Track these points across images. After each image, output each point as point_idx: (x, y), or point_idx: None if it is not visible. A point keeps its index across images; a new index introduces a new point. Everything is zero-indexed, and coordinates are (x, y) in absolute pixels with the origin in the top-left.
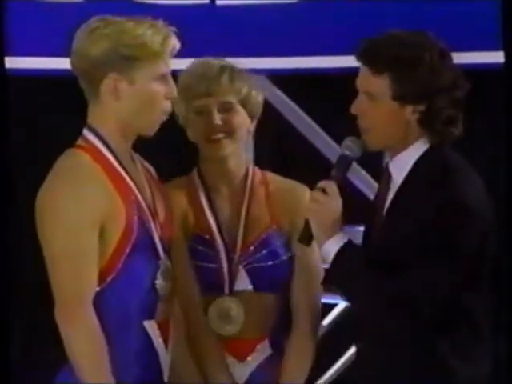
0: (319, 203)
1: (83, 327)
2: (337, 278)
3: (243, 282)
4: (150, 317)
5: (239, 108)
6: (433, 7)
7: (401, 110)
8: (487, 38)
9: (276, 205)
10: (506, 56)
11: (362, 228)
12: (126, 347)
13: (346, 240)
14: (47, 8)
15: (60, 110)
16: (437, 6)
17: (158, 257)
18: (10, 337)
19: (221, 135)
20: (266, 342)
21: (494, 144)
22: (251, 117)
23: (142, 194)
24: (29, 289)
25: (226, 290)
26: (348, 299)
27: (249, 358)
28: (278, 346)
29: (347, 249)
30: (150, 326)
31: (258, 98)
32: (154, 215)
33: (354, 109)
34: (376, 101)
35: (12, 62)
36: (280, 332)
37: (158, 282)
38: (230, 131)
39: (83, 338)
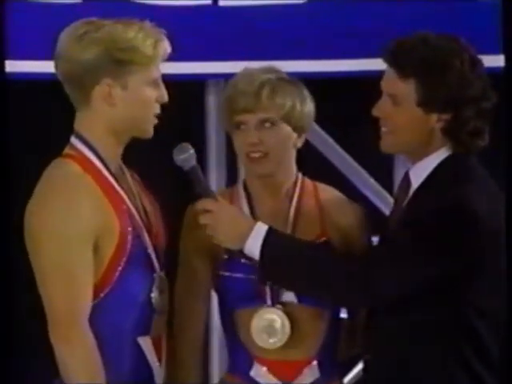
0: (211, 225)
1: (79, 347)
2: (273, 271)
3: (287, 294)
4: (145, 332)
5: (281, 124)
6: (432, 10)
7: (425, 117)
8: (487, 41)
9: (328, 218)
10: (506, 60)
11: (375, 239)
12: (119, 364)
13: (264, 231)
14: (47, 11)
15: (60, 114)
16: (436, 8)
17: (153, 269)
18: (11, 340)
19: (257, 154)
20: (314, 365)
21: (494, 148)
22: (297, 131)
23: (133, 203)
24: (29, 290)
25: (269, 301)
26: (297, 291)
27: (295, 382)
28: (326, 370)
29: (271, 239)
30: (145, 343)
31: (303, 110)
32: (148, 225)
33: (377, 110)
34: (400, 105)
35: (12, 66)
36: (329, 354)
37: (154, 295)
38: (266, 151)
39: (79, 358)
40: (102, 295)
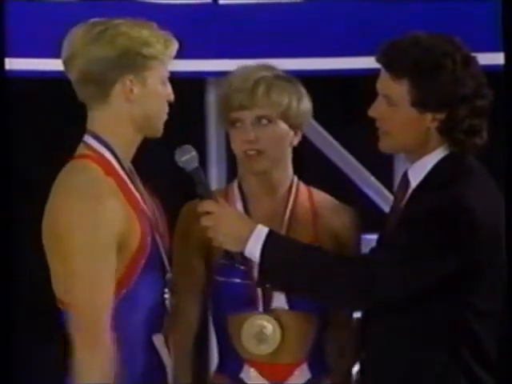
0: (212, 226)
1: (100, 353)
2: (273, 274)
3: (278, 300)
4: (158, 332)
5: (278, 122)
6: (431, 8)
7: (420, 117)
8: (487, 39)
9: (321, 225)
10: (506, 58)
11: (373, 236)
12: (133, 365)
13: (265, 233)
14: (48, 8)
15: (61, 112)
16: (436, 6)
17: (165, 271)
18: (12, 337)
19: (253, 151)
20: (305, 367)
21: (493, 147)
22: (294, 128)
23: (145, 204)
24: (30, 289)
25: (260, 307)
26: (296, 294)
27: (286, 383)
28: (317, 370)
29: (272, 241)
30: (158, 340)
31: (300, 107)
32: (157, 227)
33: (372, 111)
34: (394, 106)
35: (12, 64)
36: (319, 355)
37: (167, 296)
38: (262, 149)
39: (98, 363)
40: (119, 297)
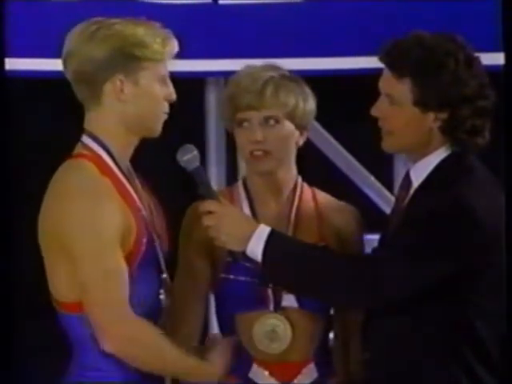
0: (213, 226)
1: (148, 339)
2: (275, 273)
3: (288, 299)
4: None
5: (284, 122)
6: (432, 8)
7: (422, 117)
8: (487, 39)
9: (326, 224)
10: (506, 58)
11: (374, 237)
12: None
13: (267, 233)
14: (48, 8)
15: (61, 112)
16: (436, 6)
17: (161, 272)
18: (12, 337)
19: (260, 152)
20: (312, 366)
21: (493, 147)
22: (300, 128)
23: (143, 204)
24: (30, 289)
25: (271, 306)
26: (298, 293)
27: (294, 383)
28: (324, 370)
29: (274, 240)
30: None
31: (306, 107)
32: (154, 227)
33: (375, 110)
34: (397, 105)
35: (12, 64)
36: (326, 355)
37: (162, 297)
38: (269, 149)
39: (157, 347)
40: None
